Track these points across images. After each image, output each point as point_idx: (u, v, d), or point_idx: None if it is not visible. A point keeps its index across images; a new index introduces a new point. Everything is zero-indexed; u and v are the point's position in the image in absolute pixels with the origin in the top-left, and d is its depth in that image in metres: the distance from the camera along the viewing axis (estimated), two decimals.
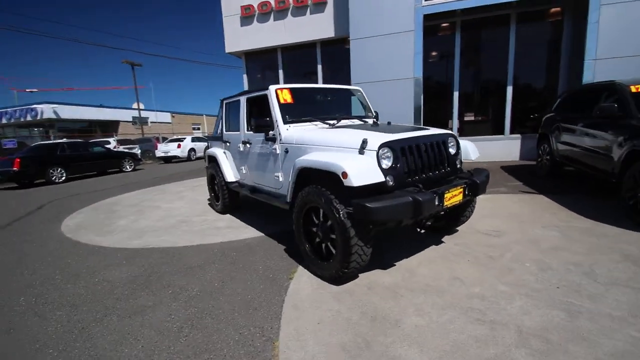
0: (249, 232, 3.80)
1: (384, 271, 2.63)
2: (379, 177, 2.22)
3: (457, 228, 3.42)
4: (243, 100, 3.84)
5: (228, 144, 4.33)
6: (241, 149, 3.92)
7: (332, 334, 1.88)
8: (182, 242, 3.60)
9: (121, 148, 15.50)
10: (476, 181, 2.63)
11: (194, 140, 16.02)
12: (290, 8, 8.66)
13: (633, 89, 3.91)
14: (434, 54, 8.21)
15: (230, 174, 4.33)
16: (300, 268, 2.77)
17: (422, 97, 7.60)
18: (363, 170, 2.18)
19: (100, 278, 2.83)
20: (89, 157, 10.81)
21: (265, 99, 3.38)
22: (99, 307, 2.34)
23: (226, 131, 4.39)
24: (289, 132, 3.10)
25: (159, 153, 15.21)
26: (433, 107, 8.31)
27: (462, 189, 2.52)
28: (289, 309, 2.18)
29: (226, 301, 2.32)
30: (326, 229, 2.48)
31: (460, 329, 1.85)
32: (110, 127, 28.68)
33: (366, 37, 7.59)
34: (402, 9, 7.26)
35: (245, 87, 9.64)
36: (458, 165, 2.87)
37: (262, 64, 9.67)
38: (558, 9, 7.24)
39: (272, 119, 3.20)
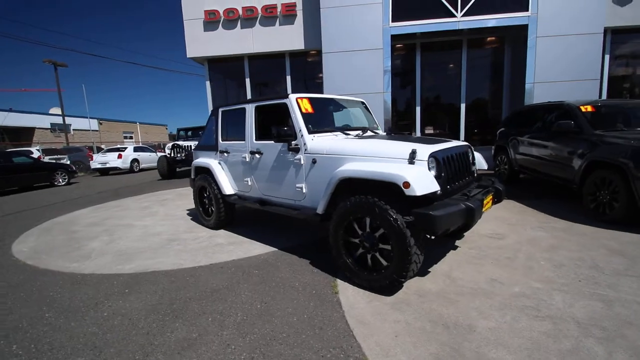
0: (257, 248, 3.57)
1: (422, 278, 2.69)
2: (436, 186, 2.30)
3: (464, 233, 3.67)
4: (250, 108, 3.65)
5: (226, 154, 4.04)
6: (247, 159, 3.70)
7: (417, 346, 1.86)
8: (187, 263, 3.23)
9: (47, 159, 13.32)
10: (499, 188, 2.87)
11: (137, 150, 14.52)
12: (258, 17, 8.52)
13: (582, 108, 4.69)
14: (399, 72, 8.80)
15: (227, 186, 4.05)
16: (339, 281, 2.69)
17: (391, 111, 8.06)
18: (422, 179, 2.24)
19: (110, 311, 2.39)
20: (10, 170, 9.07)
21: (282, 108, 3.27)
22: (132, 346, 1.97)
23: (222, 140, 4.10)
24: (315, 142, 3.03)
25: (94, 164, 13.42)
26: (399, 121, 8.88)
27: (492, 196, 2.74)
28: (356, 324, 2.10)
29: (284, 323, 2.14)
30: (373, 239, 2.46)
31: (529, 327, 1.98)
32: (23, 134, 24.53)
33: (339, 51, 7.83)
34: (372, 28, 7.67)
35: (209, 95, 9.14)
36: (475, 174, 3.11)
37: (227, 71, 9.28)
38: (501, 37, 8.37)
39: (295, 129, 3.10)
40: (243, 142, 3.75)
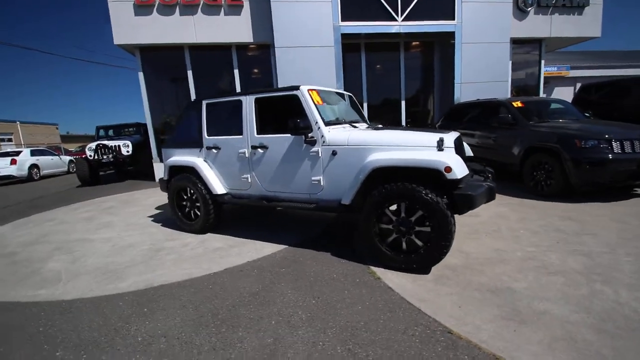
0: (266, 247, 3.40)
1: None
2: (466, 170, 2.57)
3: None
4: (249, 100, 3.43)
5: (214, 150, 3.71)
6: (246, 155, 3.47)
7: (482, 311, 2.09)
8: (197, 272, 2.90)
9: None
10: (493, 172, 3.33)
11: (35, 153, 11.91)
12: (200, 4, 7.84)
13: (514, 104, 5.67)
14: (348, 69, 9.13)
15: (218, 185, 3.73)
16: (373, 267, 2.78)
17: None
18: (459, 164, 2.49)
19: (144, 335, 2.03)
20: None
21: (290, 100, 3.18)
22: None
23: (209, 136, 3.75)
24: (332, 134, 3.04)
25: None
26: None
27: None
28: (418, 302, 2.22)
29: (353, 313, 2.14)
30: (409, 223, 2.62)
31: (551, 282, 2.39)
32: None
33: (292, 46, 7.77)
34: (324, 26, 7.83)
35: (143, 87, 8.06)
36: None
37: (165, 62, 8.30)
38: (431, 42, 9.42)
39: (310, 121, 3.05)
40: (240, 136, 3.51)
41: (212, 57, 8.39)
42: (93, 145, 8.71)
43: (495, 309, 2.10)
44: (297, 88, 3.16)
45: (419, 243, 2.63)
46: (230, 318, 2.16)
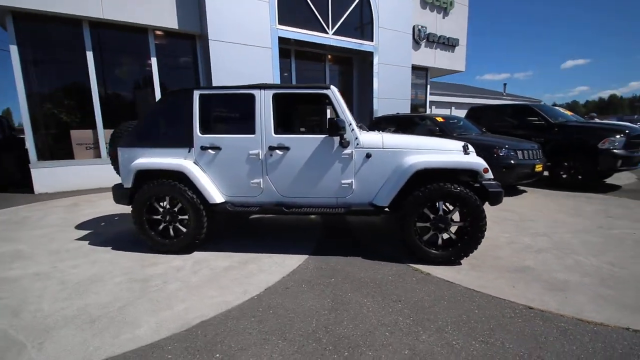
0: (286, 259, 3.07)
1: None
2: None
3: None
4: (264, 95, 3.04)
5: (211, 151, 3.10)
6: (260, 156, 3.06)
7: (532, 287, 2.50)
8: (234, 299, 2.39)
9: None
10: None
11: None
12: None
13: (438, 119, 6.82)
14: (284, 72, 8.96)
15: (215, 192, 3.14)
16: (412, 264, 2.91)
17: None
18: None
19: None
20: None
21: (316, 99, 3.03)
22: None
23: (203, 134, 3.11)
24: (365, 136, 3.04)
25: None
26: None
27: None
28: (481, 288, 2.48)
29: (449, 308, 2.22)
30: (447, 220, 2.89)
31: (555, 257, 3.05)
32: None
33: (228, 41, 7.14)
34: (262, 25, 7.54)
35: (17, 66, 5.83)
36: None
37: (53, 37, 6.22)
38: (350, 58, 10.27)
39: (344, 122, 2.96)
40: (251, 136, 3.06)
41: (122, 40, 6.85)
42: None
43: (536, 284, 2.55)
44: (327, 87, 3.02)
45: (453, 237, 2.92)
46: (338, 341, 1.90)
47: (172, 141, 3.17)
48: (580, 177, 6.27)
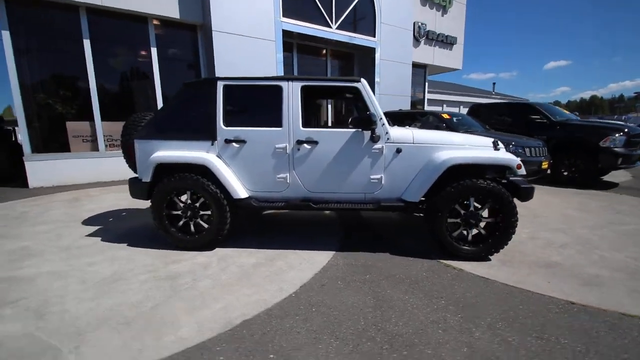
0: (313, 256, 2.99)
1: None
2: None
3: None
4: (292, 87, 2.94)
5: (235, 144, 2.99)
6: (287, 150, 2.96)
7: (567, 283, 2.52)
8: (271, 297, 2.30)
9: None
10: None
11: None
12: None
13: (444, 116, 6.84)
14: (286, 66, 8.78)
15: (240, 187, 3.03)
16: (442, 260, 2.88)
17: None
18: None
19: None
20: None
21: (345, 92, 2.96)
22: None
23: (227, 126, 2.99)
24: (395, 131, 2.99)
25: None
26: None
27: None
28: (517, 284, 2.47)
29: (491, 304, 2.20)
30: (478, 215, 2.87)
31: (579, 252, 3.08)
32: None
33: (232, 33, 6.94)
34: (266, 17, 7.36)
35: (10, 54, 5.48)
36: None
37: (48, 24, 5.88)
38: (352, 54, 10.18)
39: (374, 116, 2.89)
40: (278, 129, 2.96)
41: (120, 29, 6.57)
42: None
43: (570, 279, 2.57)
44: (358, 80, 2.94)
45: (482, 233, 2.91)
46: (392, 339, 1.85)
47: (193, 133, 3.04)
48: (577, 174, 6.42)
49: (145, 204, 4.79)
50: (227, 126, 3.00)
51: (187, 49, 7.39)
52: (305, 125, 2.98)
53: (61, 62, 6.16)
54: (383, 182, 2.99)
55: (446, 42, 11.98)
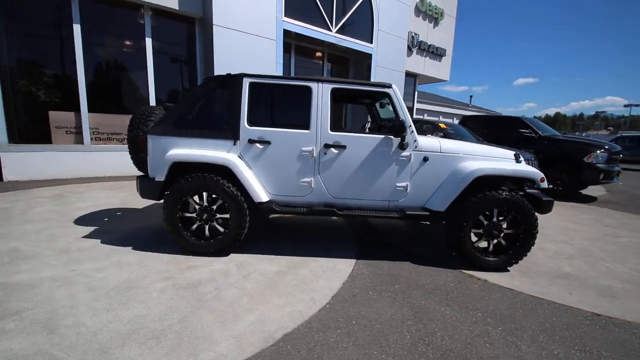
0: (337, 264, 2.91)
1: None
2: None
3: None
4: (322, 89, 2.85)
5: (259, 145, 2.85)
6: (314, 154, 2.86)
7: (587, 294, 2.59)
8: (306, 308, 2.19)
9: None
10: None
11: None
12: None
13: (441, 125, 6.99)
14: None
15: (261, 190, 2.90)
16: (464, 270, 2.89)
17: None
18: None
19: None
20: None
21: (376, 97, 2.91)
22: None
23: (251, 126, 2.85)
24: (423, 139, 2.97)
25: None
26: None
27: None
28: (542, 295, 2.52)
29: (526, 315, 2.21)
30: (499, 226, 2.91)
31: (587, 263, 3.20)
32: None
33: (233, 28, 6.73)
34: (268, 15, 7.21)
35: None
36: None
37: (34, 6, 5.40)
38: (347, 58, 10.20)
39: (404, 123, 2.87)
40: (305, 131, 2.86)
41: (114, 15, 6.18)
42: None
43: (588, 291, 2.65)
44: (389, 85, 2.91)
45: (503, 243, 2.96)
46: (444, 355, 1.80)
47: (214, 132, 2.87)
48: (561, 188, 6.76)
49: (141, 203, 4.54)
50: (251, 126, 2.86)
51: (183, 42, 7.08)
52: (334, 128, 2.90)
53: (47, 46, 5.69)
54: (408, 190, 2.96)
55: (436, 53, 12.32)
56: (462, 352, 1.82)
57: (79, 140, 5.98)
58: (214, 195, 2.85)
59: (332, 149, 2.88)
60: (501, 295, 2.51)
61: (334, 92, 2.90)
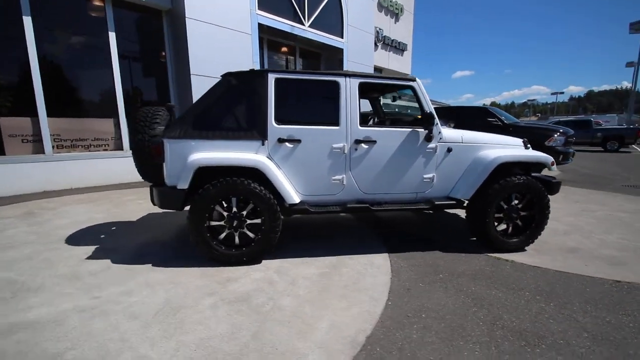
0: (373, 259, 2.90)
1: None
2: None
3: None
4: (350, 83, 2.79)
5: (289, 144, 2.72)
6: (345, 150, 2.80)
7: (597, 264, 2.88)
8: (374, 307, 2.16)
9: None
10: None
11: None
12: None
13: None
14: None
15: (293, 191, 2.78)
16: (492, 255, 3.06)
17: None
18: None
19: None
20: None
21: (408, 91, 2.93)
22: None
23: (279, 124, 2.70)
24: (446, 130, 3.06)
25: None
26: None
27: None
28: (570, 270, 2.75)
29: (568, 290, 2.39)
30: (517, 210, 3.11)
31: (582, 236, 3.54)
32: None
33: (206, 22, 6.31)
34: (242, 9, 6.87)
35: None
36: None
37: None
38: (319, 53, 10.14)
39: (429, 116, 2.93)
40: (335, 127, 2.78)
41: (71, 7, 5.44)
42: None
43: (597, 261, 2.94)
44: (413, 79, 2.93)
45: (521, 225, 3.17)
46: (521, 336, 1.89)
47: (239, 132, 2.67)
48: None
49: (132, 215, 4.10)
50: (279, 124, 2.71)
51: (151, 37, 6.48)
52: (362, 123, 2.86)
53: None
54: (434, 181, 3.04)
55: (399, 48, 12.75)
56: (534, 330, 1.92)
57: (39, 149, 5.22)
58: (243, 201, 2.67)
59: (363, 145, 2.85)
60: (533, 273, 2.69)
61: (360, 86, 2.86)
